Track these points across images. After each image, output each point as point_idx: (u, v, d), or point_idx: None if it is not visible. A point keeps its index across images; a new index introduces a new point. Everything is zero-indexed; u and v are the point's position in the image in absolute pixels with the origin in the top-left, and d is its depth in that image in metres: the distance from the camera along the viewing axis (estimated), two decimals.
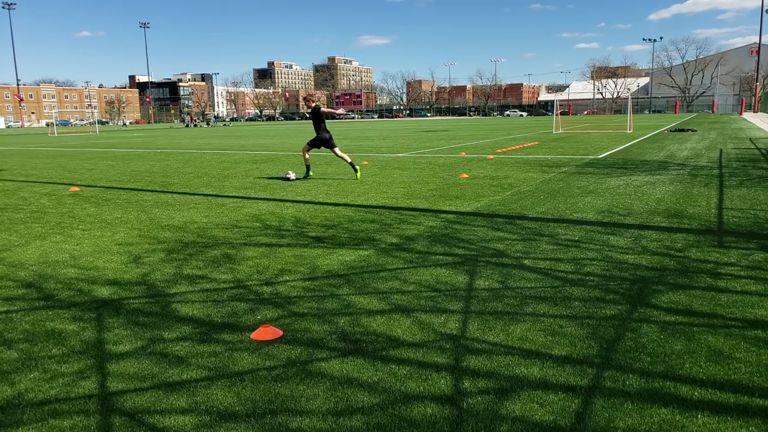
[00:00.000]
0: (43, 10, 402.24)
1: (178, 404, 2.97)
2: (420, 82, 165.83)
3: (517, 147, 20.96)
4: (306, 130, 50.24)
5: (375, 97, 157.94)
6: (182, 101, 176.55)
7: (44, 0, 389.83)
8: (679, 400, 2.88)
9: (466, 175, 12.25)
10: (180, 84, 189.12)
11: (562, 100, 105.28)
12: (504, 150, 19.62)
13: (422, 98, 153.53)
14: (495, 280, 4.88)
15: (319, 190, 10.71)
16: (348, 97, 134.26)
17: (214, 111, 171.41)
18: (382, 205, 8.83)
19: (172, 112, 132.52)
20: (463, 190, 10.20)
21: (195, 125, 76.94)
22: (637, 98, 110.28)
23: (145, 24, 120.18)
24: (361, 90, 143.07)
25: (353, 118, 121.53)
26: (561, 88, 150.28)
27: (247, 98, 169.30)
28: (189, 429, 2.75)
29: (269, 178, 12.68)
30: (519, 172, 12.78)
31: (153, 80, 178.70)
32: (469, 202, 8.89)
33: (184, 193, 10.64)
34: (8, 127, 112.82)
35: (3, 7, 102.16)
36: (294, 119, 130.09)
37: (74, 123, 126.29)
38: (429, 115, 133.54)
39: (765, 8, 66.24)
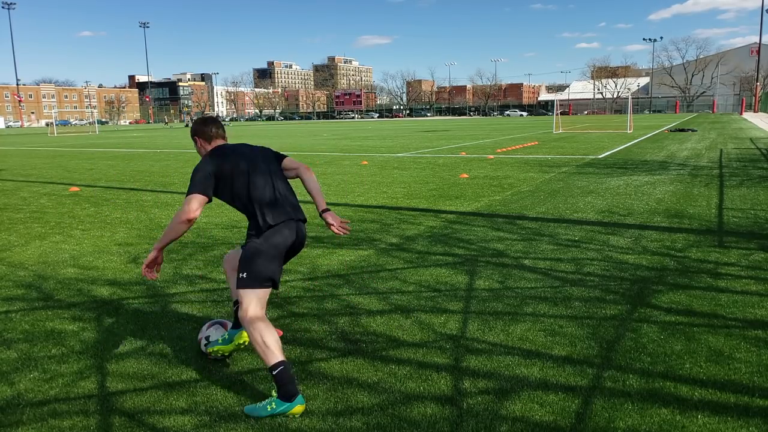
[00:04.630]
0: (43, 10, 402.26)
1: (177, 404, 2.97)
2: (420, 82, 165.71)
3: (517, 147, 20.95)
4: (306, 130, 50.20)
5: (375, 97, 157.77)
6: (182, 101, 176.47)
7: (44, 0, 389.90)
8: (679, 400, 2.88)
9: (466, 175, 12.25)
10: (180, 84, 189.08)
11: (562, 100, 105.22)
12: (504, 150, 19.62)
13: (422, 98, 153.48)
14: (495, 280, 4.88)
15: None
16: (348, 96, 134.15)
17: (214, 111, 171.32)
18: (382, 205, 8.83)
19: (172, 112, 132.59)
20: (463, 190, 10.19)
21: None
22: (638, 98, 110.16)
23: (145, 24, 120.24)
24: (361, 90, 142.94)
25: (353, 118, 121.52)
26: (561, 88, 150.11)
27: (246, 98, 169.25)
28: (189, 429, 2.75)
29: None
30: (519, 172, 12.78)
31: (153, 80, 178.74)
32: (469, 202, 8.89)
33: (184, 193, 10.63)
34: (8, 127, 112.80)
35: (3, 7, 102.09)
36: (294, 119, 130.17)
37: (74, 123, 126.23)
38: (429, 115, 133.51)
39: (765, 8, 66.21)
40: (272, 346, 2.89)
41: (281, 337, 3.77)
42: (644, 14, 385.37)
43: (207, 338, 3.47)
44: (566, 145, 21.09)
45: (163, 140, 33.81)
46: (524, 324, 3.90)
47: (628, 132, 29.65)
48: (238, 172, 3.18)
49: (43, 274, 5.40)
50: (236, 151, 3.28)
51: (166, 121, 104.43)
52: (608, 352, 3.45)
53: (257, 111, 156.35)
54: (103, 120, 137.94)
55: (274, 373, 2.85)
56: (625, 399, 2.90)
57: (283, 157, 3.44)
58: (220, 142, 3.42)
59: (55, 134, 51.12)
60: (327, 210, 3.34)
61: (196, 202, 3.11)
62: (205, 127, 3.39)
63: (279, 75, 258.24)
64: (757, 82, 75.27)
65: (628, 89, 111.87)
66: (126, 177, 13.63)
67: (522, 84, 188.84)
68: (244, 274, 3.05)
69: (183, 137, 38.08)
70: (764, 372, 3.15)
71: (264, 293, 3.09)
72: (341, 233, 3.29)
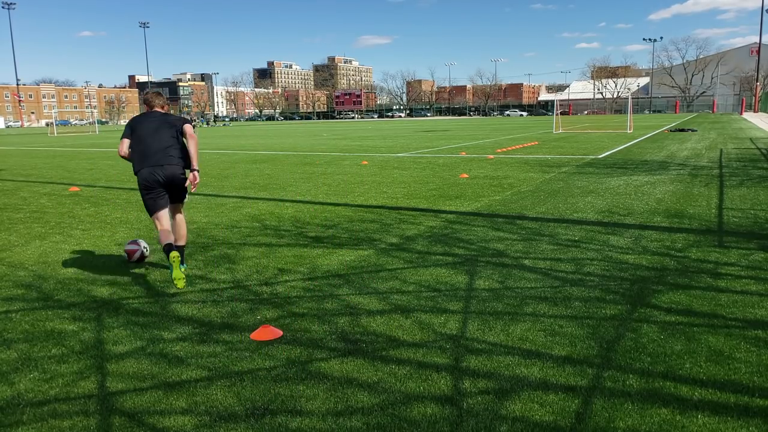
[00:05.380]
0: (43, 10, 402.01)
1: (177, 404, 2.97)
2: (420, 81, 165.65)
3: (517, 147, 20.96)
4: (306, 130, 50.21)
5: (375, 97, 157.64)
6: (182, 101, 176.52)
7: (44, 0, 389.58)
8: (679, 400, 2.88)
9: (466, 175, 12.25)
10: (180, 84, 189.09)
11: (562, 100, 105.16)
12: (504, 150, 19.62)
13: (422, 98, 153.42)
14: (495, 280, 4.88)
15: (319, 190, 10.71)
16: (348, 96, 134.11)
17: (214, 110, 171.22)
18: (382, 205, 8.83)
19: (173, 112, 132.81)
20: (463, 190, 10.19)
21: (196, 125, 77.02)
22: (638, 98, 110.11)
23: (145, 24, 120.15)
24: (361, 90, 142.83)
25: (353, 118, 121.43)
26: (561, 88, 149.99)
27: (246, 98, 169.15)
28: (189, 429, 2.75)
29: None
30: (519, 172, 12.78)
31: (153, 80, 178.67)
32: (469, 202, 8.89)
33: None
34: (8, 127, 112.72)
35: (3, 7, 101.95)
36: (294, 119, 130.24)
37: (74, 123, 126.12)
38: (429, 115, 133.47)
39: (765, 8, 66.18)
40: (161, 237, 4.98)
41: (281, 338, 3.78)
42: (644, 14, 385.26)
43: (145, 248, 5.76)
44: (566, 145, 21.10)
45: None
46: (524, 324, 3.90)
47: (628, 132, 29.65)
48: (140, 131, 5.12)
49: (43, 274, 5.40)
50: (145, 117, 5.19)
51: None
52: (608, 352, 3.45)
53: (257, 111, 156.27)
54: (104, 120, 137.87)
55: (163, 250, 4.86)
56: (625, 399, 2.90)
57: (187, 122, 5.13)
58: (157, 110, 5.31)
59: (55, 134, 51.11)
60: (194, 170, 5.04)
61: (122, 142, 5.20)
62: (149, 99, 5.30)
63: (279, 75, 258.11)
64: (757, 82, 75.23)
65: (628, 89, 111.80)
66: (126, 177, 13.63)
67: (522, 84, 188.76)
68: None
69: None
70: (764, 372, 3.15)
71: (155, 216, 5.16)
72: (192, 189, 5.12)
